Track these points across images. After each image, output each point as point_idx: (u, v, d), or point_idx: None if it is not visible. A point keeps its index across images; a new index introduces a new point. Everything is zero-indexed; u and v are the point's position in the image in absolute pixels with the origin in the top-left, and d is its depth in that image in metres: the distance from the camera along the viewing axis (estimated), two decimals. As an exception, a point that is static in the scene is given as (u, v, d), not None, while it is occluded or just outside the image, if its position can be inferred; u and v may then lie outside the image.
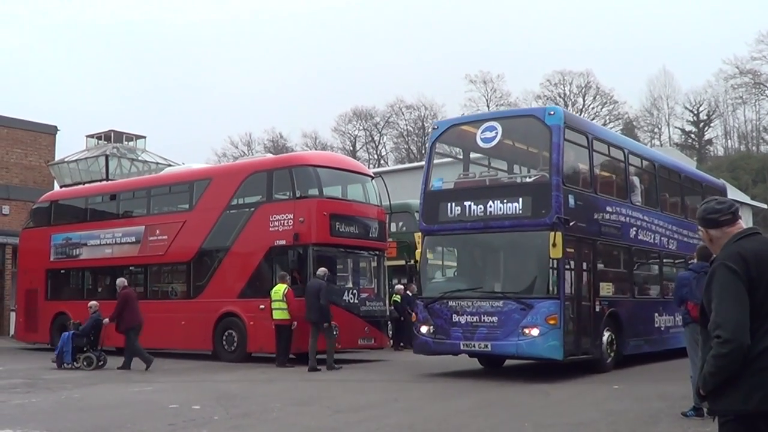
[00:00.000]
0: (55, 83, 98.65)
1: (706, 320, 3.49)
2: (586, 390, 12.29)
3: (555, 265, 12.99)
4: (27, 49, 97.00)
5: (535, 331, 12.92)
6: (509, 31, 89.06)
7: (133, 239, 20.19)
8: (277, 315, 15.82)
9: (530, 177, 14.26)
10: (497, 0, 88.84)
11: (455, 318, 13.72)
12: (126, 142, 39.58)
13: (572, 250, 13.64)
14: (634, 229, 15.71)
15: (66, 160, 35.77)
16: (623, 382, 12.78)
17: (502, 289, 13.59)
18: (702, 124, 69.49)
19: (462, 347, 13.59)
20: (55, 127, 34.12)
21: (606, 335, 14.43)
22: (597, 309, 14.15)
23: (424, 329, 14.12)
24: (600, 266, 14.66)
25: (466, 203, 13.97)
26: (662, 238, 16.89)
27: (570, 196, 13.48)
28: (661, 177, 17.33)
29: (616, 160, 15.59)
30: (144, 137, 40.65)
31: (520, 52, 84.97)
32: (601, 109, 67.06)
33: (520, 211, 13.41)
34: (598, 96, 67.36)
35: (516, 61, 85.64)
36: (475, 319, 13.50)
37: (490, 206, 13.70)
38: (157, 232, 19.66)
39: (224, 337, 17.91)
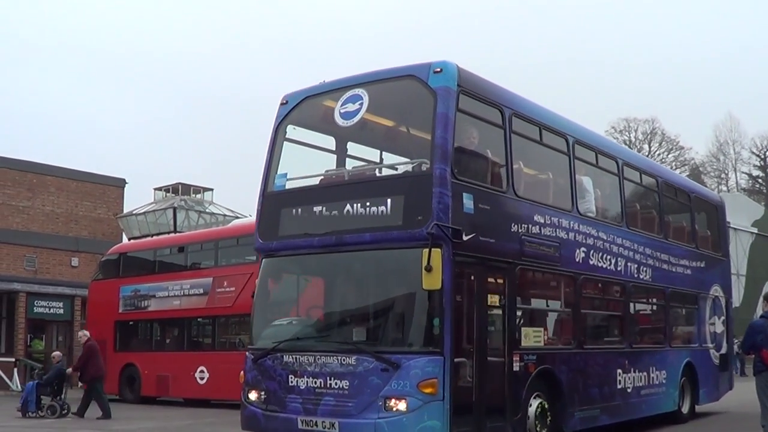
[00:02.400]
0: (124, 136, 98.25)
1: None
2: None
3: (437, 301, 8.32)
4: (96, 102, 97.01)
5: (402, 405, 8.22)
6: (573, 77, 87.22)
7: (201, 291, 20.19)
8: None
9: (405, 166, 9.59)
10: (560, 46, 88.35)
11: (292, 381, 9.05)
12: (193, 195, 39.62)
13: (469, 279, 8.97)
14: (583, 250, 10.97)
15: (134, 212, 35.73)
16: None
17: (356, 337, 8.89)
18: (769, 168, 68.58)
19: (300, 425, 8.87)
20: (124, 180, 34.41)
21: (534, 405, 9.68)
22: (517, 367, 9.41)
23: (252, 395, 9.46)
24: (523, 304, 9.96)
25: (316, 209, 9.36)
26: (629, 265, 12.09)
27: (466, 195, 8.84)
28: (629, 181, 12.57)
29: (555, 150, 10.90)
30: (211, 189, 40.58)
31: (586, 99, 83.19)
32: (667, 155, 66.39)
33: (388, 218, 8.78)
34: (663, 142, 66.86)
35: (581, 108, 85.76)
36: (319, 383, 8.82)
37: (348, 212, 9.08)
38: (225, 283, 19.63)
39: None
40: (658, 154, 65.84)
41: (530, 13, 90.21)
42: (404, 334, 8.63)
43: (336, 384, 8.67)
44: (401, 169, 9.49)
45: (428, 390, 8.17)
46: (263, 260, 9.88)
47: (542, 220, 10.11)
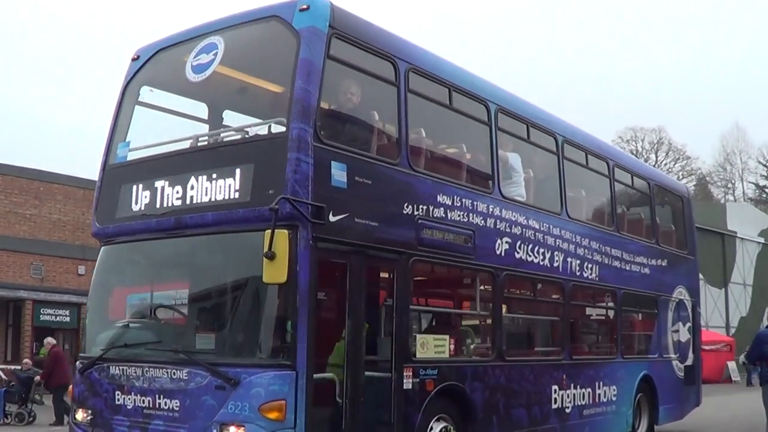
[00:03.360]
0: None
1: None
2: None
3: (289, 299, 6.42)
4: (104, 111, 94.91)
5: (240, 434, 6.32)
6: (580, 87, 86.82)
7: None
8: None
9: (260, 128, 7.65)
10: (569, 58, 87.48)
11: (119, 398, 7.14)
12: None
13: (341, 272, 7.08)
14: (507, 240, 9.05)
15: None
16: None
17: (188, 344, 6.97)
18: (776, 178, 68.45)
19: (123, 457, 6.97)
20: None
21: (436, 430, 7.76)
22: (409, 384, 7.49)
23: (79, 415, 7.54)
24: (419, 305, 8.07)
25: (158, 184, 7.45)
26: (570, 260, 10.18)
27: (337, 165, 6.95)
28: (571, 161, 10.65)
29: (471, 118, 8.99)
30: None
31: (592, 109, 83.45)
32: (674, 164, 66.11)
33: (235, 194, 6.88)
34: (670, 152, 66.44)
35: (588, 117, 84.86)
36: (147, 402, 6.91)
37: (192, 186, 7.18)
38: None
39: None
40: (665, 164, 66.03)
41: (536, 23, 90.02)
42: (248, 341, 6.71)
43: (166, 404, 6.76)
44: (253, 132, 7.56)
45: (273, 415, 6.28)
46: (101, 248, 7.97)
47: (449, 202, 8.20)
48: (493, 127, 9.06)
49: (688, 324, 13.43)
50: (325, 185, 6.77)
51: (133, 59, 8.36)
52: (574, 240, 10.27)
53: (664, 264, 12.73)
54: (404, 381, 7.46)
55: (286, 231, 6.30)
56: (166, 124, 8.35)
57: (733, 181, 70.08)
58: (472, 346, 8.93)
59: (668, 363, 12.72)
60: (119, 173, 7.93)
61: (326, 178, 6.80)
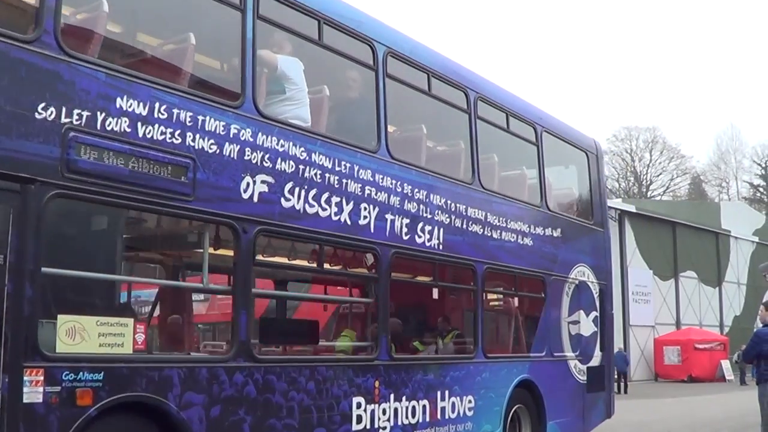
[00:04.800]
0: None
1: None
2: None
3: None
4: None
5: None
6: (576, 86, 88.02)
7: None
8: None
9: None
10: (564, 56, 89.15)
11: None
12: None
13: None
14: (266, 180, 6.03)
15: None
16: None
17: None
18: (770, 177, 68.71)
19: None
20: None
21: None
22: (37, 397, 4.50)
23: None
24: (57, 268, 4.98)
25: None
26: (391, 219, 7.14)
27: None
28: (398, 81, 7.51)
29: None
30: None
31: (586, 108, 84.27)
32: (669, 163, 66.10)
33: None
34: (665, 150, 65.90)
35: (583, 116, 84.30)
36: None
37: None
38: None
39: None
40: (659, 162, 66.05)
41: (532, 23, 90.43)
42: None
43: None
44: None
45: None
46: None
47: (141, 111, 5.20)
48: (251, 14, 6.06)
49: (594, 314, 10.46)
50: None
51: None
52: (399, 190, 7.28)
53: (556, 235, 9.76)
54: (25, 391, 4.47)
55: None
56: None
57: (727, 180, 69.87)
58: (189, 337, 5.93)
59: (562, 364, 9.74)
60: None
61: None
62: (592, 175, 10.84)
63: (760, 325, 9.66)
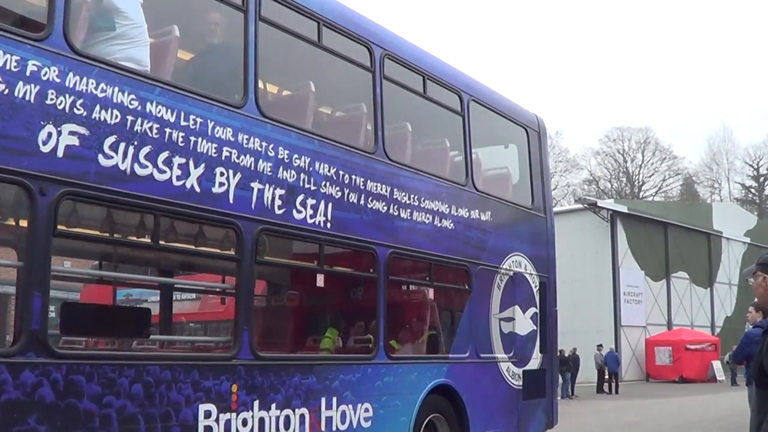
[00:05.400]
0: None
1: (766, 382, 3.55)
2: None
3: None
4: None
5: None
6: (568, 87, 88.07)
7: None
8: None
9: None
10: (555, 56, 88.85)
11: None
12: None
13: None
14: (77, 131, 4.83)
15: None
16: None
17: None
18: (762, 178, 68.34)
19: None
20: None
21: None
22: None
23: None
24: None
25: None
26: (260, 189, 5.95)
27: None
28: (274, 25, 6.35)
29: None
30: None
31: (578, 109, 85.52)
32: (661, 164, 66.31)
33: None
34: (657, 151, 66.08)
35: (575, 117, 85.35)
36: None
37: None
38: None
39: None
40: (652, 163, 66.17)
41: (524, 24, 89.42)
42: None
43: None
44: None
45: None
46: None
47: None
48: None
49: (533, 310, 9.24)
50: None
51: None
52: (271, 155, 6.07)
53: (485, 218, 8.55)
54: None
55: None
56: None
57: (719, 181, 70.03)
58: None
59: (491, 366, 8.52)
60: None
61: None
62: (533, 154, 9.60)
63: (751, 327, 9.09)
